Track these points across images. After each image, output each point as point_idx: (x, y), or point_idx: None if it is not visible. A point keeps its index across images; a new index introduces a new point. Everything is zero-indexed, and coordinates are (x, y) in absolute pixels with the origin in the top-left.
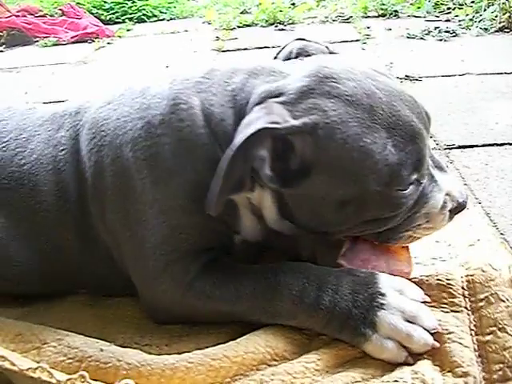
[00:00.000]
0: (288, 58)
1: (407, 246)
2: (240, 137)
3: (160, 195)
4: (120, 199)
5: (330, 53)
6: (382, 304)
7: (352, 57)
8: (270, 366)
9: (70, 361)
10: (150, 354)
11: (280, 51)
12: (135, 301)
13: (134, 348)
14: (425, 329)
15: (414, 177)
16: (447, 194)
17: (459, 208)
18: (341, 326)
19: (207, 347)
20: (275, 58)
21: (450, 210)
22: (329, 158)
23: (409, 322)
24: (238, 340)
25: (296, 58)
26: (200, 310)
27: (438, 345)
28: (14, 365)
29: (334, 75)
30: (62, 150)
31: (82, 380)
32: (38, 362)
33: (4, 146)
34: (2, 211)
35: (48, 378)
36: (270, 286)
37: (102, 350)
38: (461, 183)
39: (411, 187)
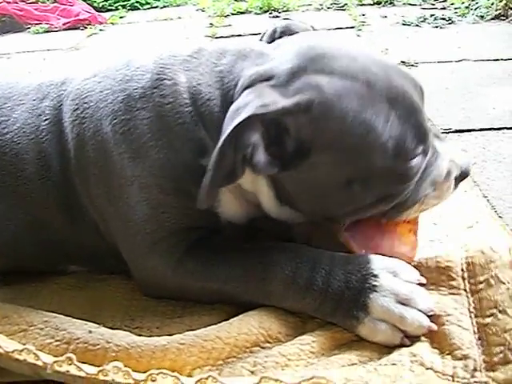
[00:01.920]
0: (272, 39)
1: (415, 230)
2: (229, 125)
3: (138, 172)
4: (102, 174)
5: None
6: (374, 286)
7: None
8: (263, 348)
9: (58, 343)
10: (141, 336)
11: (264, 33)
12: (125, 283)
13: (125, 331)
14: (420, 311)
15: (420, 149)
16: (451, 161)
17: (464, 175)
18: (333, 309)
19: (199, 329)
20: (260, 40)
21: (455, 178)
22: (328, 136)
23: (403, 304)
24: (231, 321)
25: (280, 37)
26: (191, 287)
27: (435, 327)
28: None
29: (327, 53)
30: (46, 119)
31: (69, 362)
32: (24, 345)
33: None
34: None
35: (34, 361)
36: (263, 265)
37: (90, 332)
38: (460, 150)
39: (417, 159)
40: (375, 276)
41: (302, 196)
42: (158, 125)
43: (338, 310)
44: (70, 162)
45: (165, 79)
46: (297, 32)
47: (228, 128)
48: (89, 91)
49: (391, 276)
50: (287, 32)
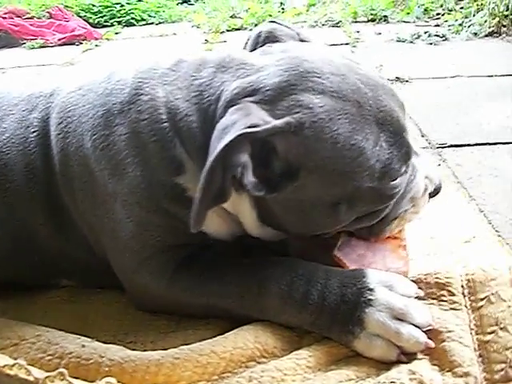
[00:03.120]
0: (256, 43)
1: (404, 245)
2: (217, 145)
3: (119, 189)
4: (87, 190)
5: (301, 40)
6: (369, 300)
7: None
8: (259, 363)
9: (50, 357)
10: (135, 351)
11: (248, 39)
12: (119, 297)
13: (118, 345)
14: (418, 327)
15: (403, 169)
16: (426, 177)
17: (437, 190)
18: (329, 323)
19: (194, 343)
20: (245, 45)
21: (429, 194)
22: (318, 158)
23: (399, 319)
24: (226, 335)
25: (264, 43)
26: (185, 303)
27: (432, 344)
28: None
29: (316, 69)
30: (34, 131)
31: (61, 378)
32: (15, 359)
33: None
34: None
35: (25, 376)
36: (258, 280)
37: (83, 346)
38: (433, 163)
39: (400, 178)
40: (371, 290)
41: (287, 217)
42: (134, 141)
43: (333, 324)
44: (56, 176)
45: (142, 94)
46: (282, 38)
47: (217, 148)
48: (73, 104)
49: (387, 290)
50: (271, 38)
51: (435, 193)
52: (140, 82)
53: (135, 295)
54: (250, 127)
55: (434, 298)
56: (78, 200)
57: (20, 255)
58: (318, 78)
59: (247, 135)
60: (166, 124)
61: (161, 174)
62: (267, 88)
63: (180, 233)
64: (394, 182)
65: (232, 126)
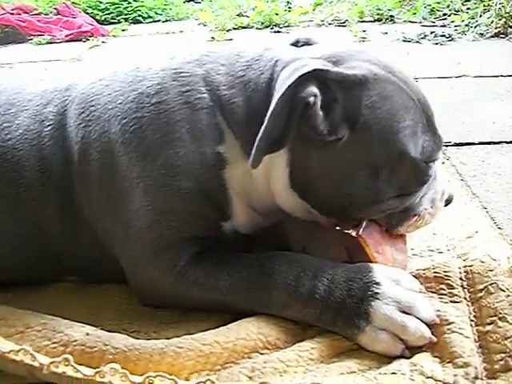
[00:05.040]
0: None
1: (405, 240)
2: (286, 82)
3: (146, 172)
4: (105, 177)
5: None
6: (376, 293)
7: None
8: (261, 354)
9: (55, 345)
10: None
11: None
12: (123, 287)
13: (122, 334)
14: (422, 321)
15: (437, 154)
16: (445, 184)
17: (450, 200)
18: (334, 317)
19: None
20: None
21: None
22: (376, 114)
23: (405, 312)
24: (229, 326)
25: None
26: (191, 298)
27: (435, 339)
28: None
29: (364, 50)
30: (48, 125)
31: (66, 363)
32: (20, 346)
33: None
34: None
35: (31, 361)
36: (265, 273)
37: (87, 335)
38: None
39: (433, 165)
40: (377, 284)
41: (324, 180)
42: (175, 115)
43: (338, 318)
44: (73, 167)
45: (181, 72)
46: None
47: (285, 83)
48: (95, 94)
49: (393, 284)
50: (309, 43)
51: (447, 203)
52: (177, 64)
53: (140, 290)
54: (323, 66)
55: (433, 292)
56: (93, 191)
57: (28, 252)
58: (369, 54)
59: (318, 72)
60: (205, 95)
61: (204, 143)
62: (326, 55)
63: (201, 222)
64: (429, 165)
65: (302, 67)
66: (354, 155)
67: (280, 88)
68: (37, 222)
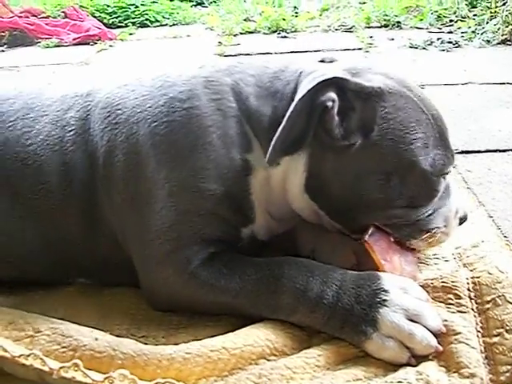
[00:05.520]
0: None
1: (415, 253)
2: (307, 87)
3: (175, 174)
4: (130, 178)
5: None
6: (384, 300)
7: None
8: (268, 360)
9: (64, 350)
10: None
11: None
12: (132, 292)
13: (131, 339)
14: (429, 330)
15: (449, 169)
16: (459, 202)
17: (464, 219)
18: (342, 324)
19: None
20: None
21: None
22: (390, 124)
23: (412, 321)
24: (237, 332)
25: None
26: (201, 299)
27: (441, 348)
28: (5, 351)
29: (381, 67)
30: (71, 130)
31: (76, 369)
32: (30, 350)
33: (10, 126)
34: (6, 192)
35: (41, 366)
36: (274, 277)
37: (96, 339)
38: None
39: (443, 180)
40: (385, 291)
41: (337, 182)
42: (207, 121)
43: (346, 324)
44: (97, 170)
45: (212, 81)
46: None
47: (306, 87)
48: (122, 98)
49: (401, 292)
50: (333, 61)
51: (462, 221)
52: (207, 73)
53: (151, 291)
54: (343, 75)
55: (441, 302)
56: (115, 192)
57: (41, 254)
58: (385, 70)
59: (338, 80)
60: (234, 104)
61: (233, 149)
62: (347, 67)
63: (222, 225)
64: (440, 179)
65: (322, 75)
66: (366, 161)
67: (300, 92)
68: (56, 226)
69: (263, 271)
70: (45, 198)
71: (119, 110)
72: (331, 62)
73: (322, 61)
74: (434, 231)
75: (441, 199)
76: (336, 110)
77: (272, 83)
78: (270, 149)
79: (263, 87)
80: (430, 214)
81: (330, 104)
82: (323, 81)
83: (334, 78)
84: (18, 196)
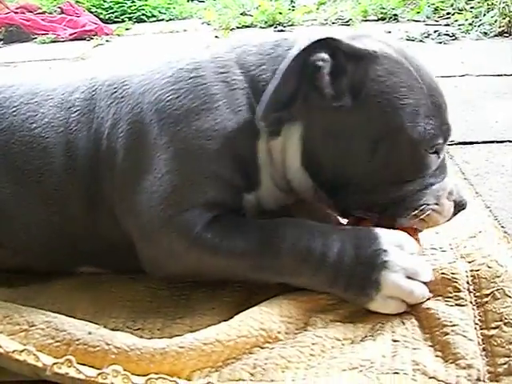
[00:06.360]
0: None
1: (418, 238)
2: (302, 45)
3: (179, 135)
4: (131, 147)
5: None
6: (385, 262)
7: None
8: (262, 348)
9: (58, 344)
10: (142, 338)
11: None
12: (128, 285)
13: (126, 332)
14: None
15: (441, 140)
16: (455, 185)
17: (462, 204)
18: (345, 285)
19: (199, 330)
20: None
21: (455, 202)
22: (381, 87)
23: (409, 278)
24: (230, 322)
25: None
26: (205, 263)
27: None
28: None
29: (386, 38)
30: (76, 111)
31: (69, 364)
32: (25, 345)
33: (14, 111)
34: (10, 176)
35: (34, 362)
36: (277, 238)
37: (90, 333)
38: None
39: (434, 156)
40: (385, 251)
41: (329, 149)
42: (213, 90)
43: (349, 286)
44: (100, 143)
45: (218, 56)
46: None
47: (302, 46)
48: (129, 75)
49: (399, 250)
50: None
51: (460, 207)
52: (213, 50)
53: (153, 259)
54: (335, 36)
55: (439, 294)
56: (117, 163)
57: (47, 240)
58: (387, 39)
59: (331, 41)
60: (241, 77)
61: (240, 116)
62: (349, 34)
63: (226, 189)
64: (429, 155)
65: (316, 36)
66: (355, 125)
67: (294, 51)
68: (60, 208)
69: (266, 232)
70: (49, 179)
71: (126, 85)
72: None
73: None
74: (422, 207)
75: (432, 177)
76: (328, 69)
77: (274, 49)
78: (259, 105)
79: (265, 54)
80: (419, 191)
81: (321, 63)
82: (316, 41)
83: (327, 38)
84: (23, 180)
